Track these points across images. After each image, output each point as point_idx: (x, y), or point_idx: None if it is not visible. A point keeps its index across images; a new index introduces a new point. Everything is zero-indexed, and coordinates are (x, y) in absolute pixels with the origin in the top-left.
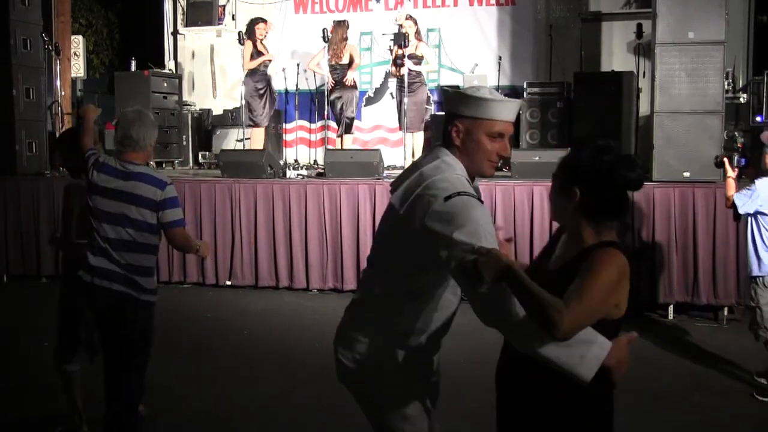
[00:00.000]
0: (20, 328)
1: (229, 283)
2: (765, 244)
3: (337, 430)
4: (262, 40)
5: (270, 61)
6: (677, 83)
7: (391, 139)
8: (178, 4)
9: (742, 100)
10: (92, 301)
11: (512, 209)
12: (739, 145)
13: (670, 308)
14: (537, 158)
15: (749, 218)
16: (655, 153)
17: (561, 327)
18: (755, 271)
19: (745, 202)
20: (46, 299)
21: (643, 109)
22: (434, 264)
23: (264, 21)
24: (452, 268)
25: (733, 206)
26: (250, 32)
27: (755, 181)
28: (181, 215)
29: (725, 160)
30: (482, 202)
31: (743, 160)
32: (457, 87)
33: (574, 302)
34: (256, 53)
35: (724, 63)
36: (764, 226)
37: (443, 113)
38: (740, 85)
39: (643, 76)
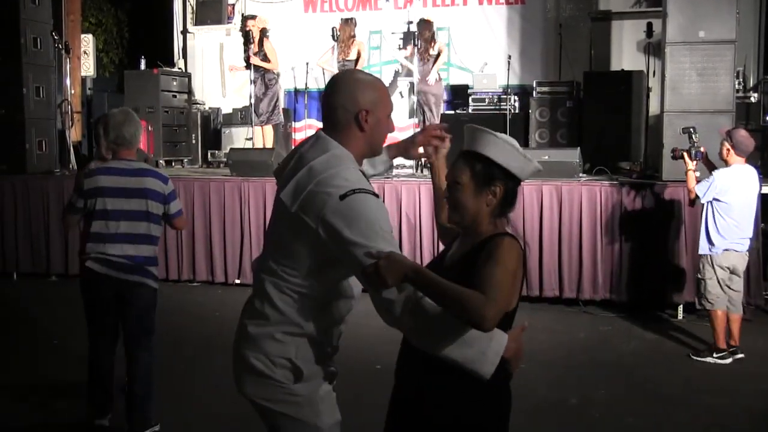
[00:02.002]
0: (29, 326)
1: (238, 281)
2: (717, 228)
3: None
4: (255, 38)
5: (269, 70)
6: (687, 82)
7: (400, 137)
8: (188, 3)
9: (752, 99)
10: (107, 291)
11: (521, 209)
12: (695, 140)
13: (680, 308)
14: (546, 157)
15: (706, 204)
16: (665, 153)
17: (489, 318)
18: (704, 251)
19: (704, 191)
20: (55, 297)
21: (653, 108)
22: (329, 263)
23: (253, 17)
24: (354, 271)
25: (696, 197)
26: (243, 29)
27: (713, 172)
28: (181, 205)
29: (684, 153)
30: (377, 195)
31: (699, 153)
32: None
33: (493, 291)
34: (255, 52)
35: (735, 62)
36: (719, 212)
37: (330, 100)
38: (751, 85)
39: (653, 75)
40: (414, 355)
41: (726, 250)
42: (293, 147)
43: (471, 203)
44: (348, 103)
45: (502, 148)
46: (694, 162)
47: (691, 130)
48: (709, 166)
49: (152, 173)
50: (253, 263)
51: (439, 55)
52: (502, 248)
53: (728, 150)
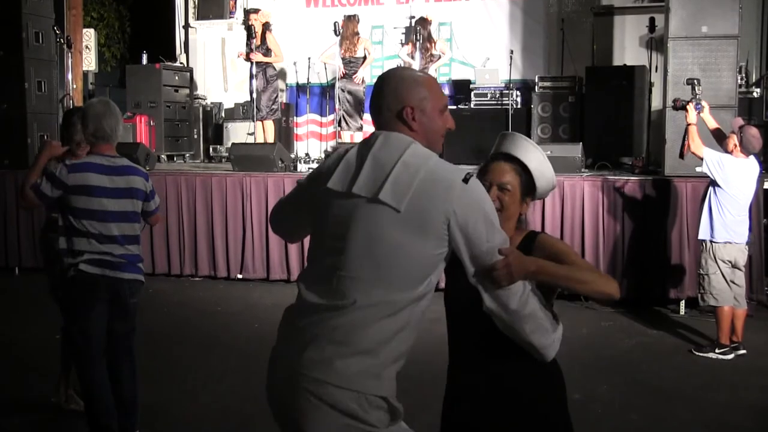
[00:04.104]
0: (31, 321)
1: (240, 276)
2: (720, 214)
3: None
4: (258, 32)
5: (270, 62)
6: (690, 77)
7: None
8: None
9: (755, 94)
10: (104, 292)
11: None
12: (698, 92)
13: (681, 303)
14: (549, 152)
15: (709, 186)
16: (668, 148)
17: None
18: (704, 236)
19: (714, 166)
20: None
21: (656, 103)
22: (443, 257)
23: (255, 11)
24: (476, 265)
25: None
26: (246, 23)
27: (723, 156)
28: (159, 200)
29: (688, 105)
30: None
31: (700, 106)
32: (468, 80)
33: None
34: (257, 46)
35: (738, 57)
36: (722, 204)
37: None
38: (753, 80)
39: (656, 71)
40: (476, 358)
41: (727, 242)
42: (342, 146)
43: (514, 207)
44: (391, 102)
45: (542, 168)
46: (696, 113)
47: (695, 81)
48: (719, 136)
49: (137, 171)
50: (321, 285)
51: (440, 57)
52: (551, 241)
53: (735, 145)
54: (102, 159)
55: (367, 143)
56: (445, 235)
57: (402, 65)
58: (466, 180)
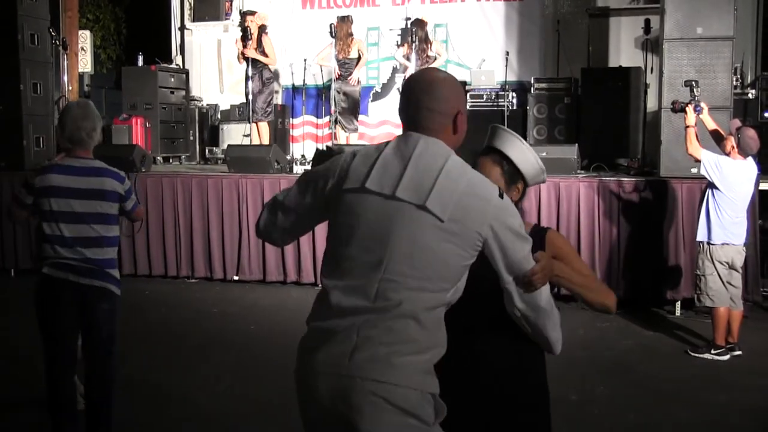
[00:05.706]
0: (29, 323)
1: (236, 278)
2: (718, 215)
3: None
4: (254, 34)
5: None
6: (685, 79)
7: (398, 134)
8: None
9: (750, 95)
10: (68, 297)
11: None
12: (696, 93)
13: (677, 305)
14: (544, 154)
15: (707, 188)
16: (663, 149)
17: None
18: (702, 237)
19: (711, 168)
20: None
21: (651, 104)
22: (469, 266)
23: (252, 13)
24: (510, 272)
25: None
26: (242, 25)
27: (722, 158)
28: (136, 198)
29: (687, 107)
30: None
31: (699, 108)
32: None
33: (598, 280)
34: (253, 48)
35: (733, 59)
36: (720, 206)
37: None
38: (748, 81)
39: (651, 72)
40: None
41: (725, 243)
42: (374, 145)
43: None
44: (445, 107)
45: (523, 154)
46: (695, 115)
47: (693, 83)
48: (718, 138)
49: (111, 173)
50: (365, 281)
51: (436, 58)
52: (560, 243)
53: (733, 147)
54: (73, 161)
55: (406, 145)
56: (477, 245)
57: (398, 67)
58: (501, 196)
